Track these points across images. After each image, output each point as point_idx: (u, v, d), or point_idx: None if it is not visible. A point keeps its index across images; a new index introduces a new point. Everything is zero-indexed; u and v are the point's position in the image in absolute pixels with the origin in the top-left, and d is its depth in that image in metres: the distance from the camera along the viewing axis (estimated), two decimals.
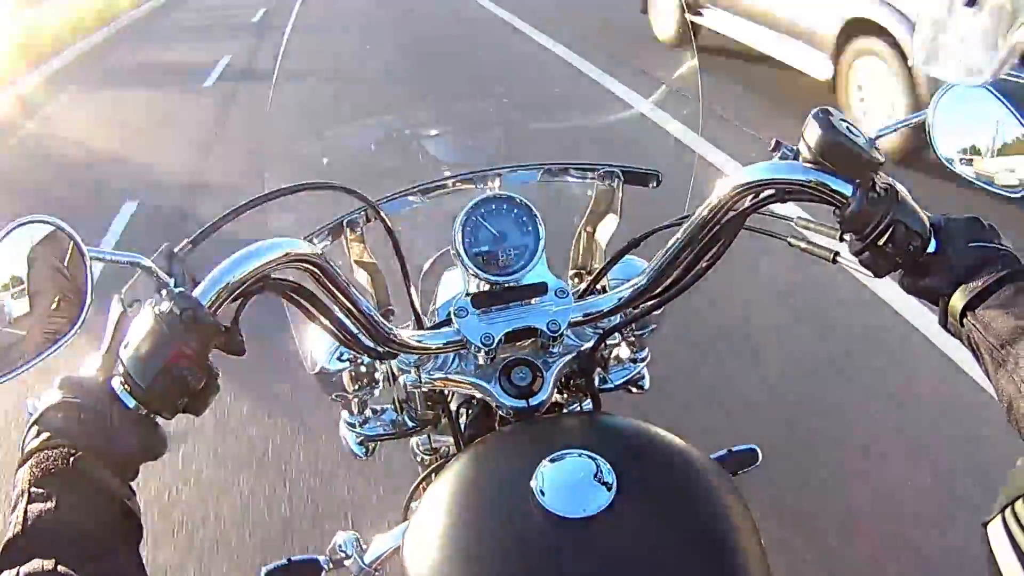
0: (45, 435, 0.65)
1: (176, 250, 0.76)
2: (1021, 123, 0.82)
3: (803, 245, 0.88)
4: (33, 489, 0.62)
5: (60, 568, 0.57)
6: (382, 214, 0.96)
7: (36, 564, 0.56)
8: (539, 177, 1.16)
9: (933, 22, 0.45)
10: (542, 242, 0.97)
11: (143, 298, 0.72)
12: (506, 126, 1.33)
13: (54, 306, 0.69)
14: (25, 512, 0.60)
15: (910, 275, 0.79)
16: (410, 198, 1.14)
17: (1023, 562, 0.39)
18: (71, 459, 0.63)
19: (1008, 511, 0.41)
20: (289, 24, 1.20)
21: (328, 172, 1.00)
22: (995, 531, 0.42)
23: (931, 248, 0.77)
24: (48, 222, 0.68)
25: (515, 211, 0.98)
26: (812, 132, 0.79)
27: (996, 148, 0.83)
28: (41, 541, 0.59)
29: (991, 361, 0.67)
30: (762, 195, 0.83)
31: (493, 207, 0.98)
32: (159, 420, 0.70)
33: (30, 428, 0.67)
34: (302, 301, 0.80)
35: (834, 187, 0.79)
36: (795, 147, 0.83)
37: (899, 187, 0.78)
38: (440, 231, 1.11)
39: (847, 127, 0.78)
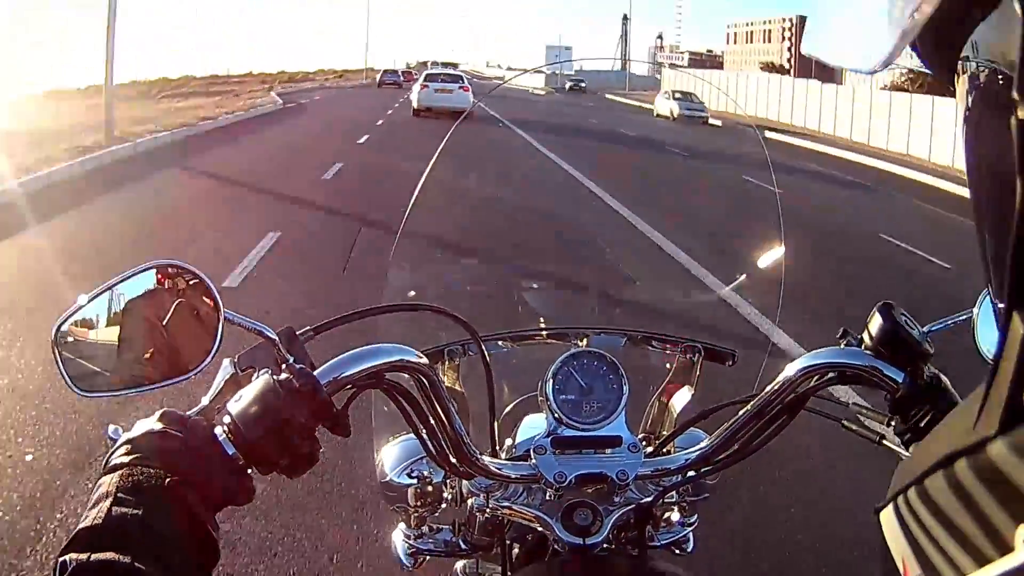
0: (137, 455, 0.67)
1: (298, 332, 0.84)
2: None
3: (854, 427, 0.96)
4: (120, 495, 0.63)
5: (137, 564, 0.57)
6: (483, 349, 1.04)
7: (110, 555, 0.57)
8: (624, 342, 1.26)
9: (826, 6, 0.47)
10: (624, 399, 1.06)
11: (257, 366, 0.78)
12: (600, 291, 1.44)
13: (155, 351, 0.76)
14: (109, 511, 0.61)
15: None
16: (500, 343, 1.24)
17: (913, 547, 0.39)
18: (165, 479, 0.65)
19: (900, 498, 0.41)
20: (427, 171, 1.35)
21: (434, 301, 1.11)
22: (887, 518, 0.42)
23: None
24: (198, 275, 0.76)
25: (604, 368, 1.08)
26: (875, 322, 0.91)
27: None
28: (120, 537, 0.59)
29: None
30: (824, 377, 0.93)
31: (585, 362, 1.08)
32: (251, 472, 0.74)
33: (119, 447, 0.69)
34: (405, 405, 0.87)
35: (887, 373, 0.89)
36: (860, 335, 0.93)
37: (943, 377, 0.87)
38: (524, 377, 1.21)
39: (905, 320, 0.90)
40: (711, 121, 30.19)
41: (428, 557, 1.23)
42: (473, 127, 14.11)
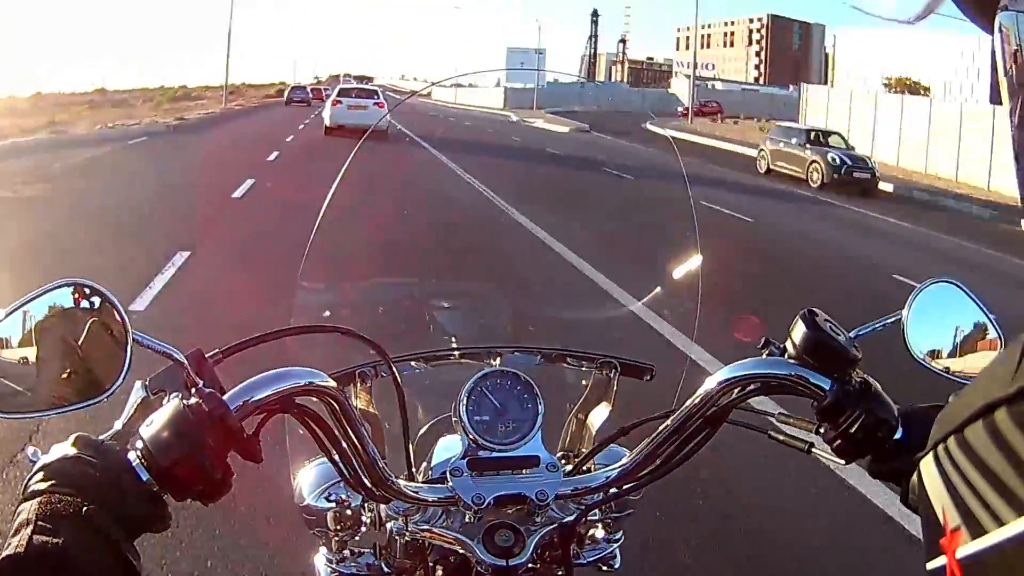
0: (52, 482, 0.67)
1: (207, 355, 0.84)
2: (989, 320, 0.92)
3: (781, 437, 0.96)
4: (40, 523, 0.63)
5: None
6: (394, 370, 1.03)
7: None
8: (538, 360, 1.25)
9: None
10: (540, 418, 1.05)
11: (168, 389, 0.78)
12: (513, 309, 1.44)
13: (72, 371, 0.75)
14: (30, 539, 0.61)
15: (877, 460, 0.86)
16: (413, 363, 1.22)
17: (953, 496, 0.39)
18: (82, 508, 0.65)
19: (941, 447, 0.41)
20: (337, 178, 1.32)
21: (345, 321, 1.09)
22: (927, 467, 0.42)
23: (898, 435, 0.85)
24: (104, 296, 0.75)
25: (518, 388, 1.07)
26: (798, 331, 0.89)
27: (966, 345, 0.92)
28: (41, 567, 0.60)
29: None
30: (747, 389, 0.92)
31: (499, 381, 1.07)
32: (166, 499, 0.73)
33: (36, 472, 0.69)
34: (316, 429, 0.87)
35: (813, 381, 0.88)
36: (782, 344, 0.92)
37: (872, 382, 0.87)
38: (437, 399, 1.20)
39: (830, 327, 0.89)
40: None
41: None
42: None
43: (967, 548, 0.38)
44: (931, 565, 0.41)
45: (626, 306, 1.70)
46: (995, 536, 0.35)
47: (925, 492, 0.43)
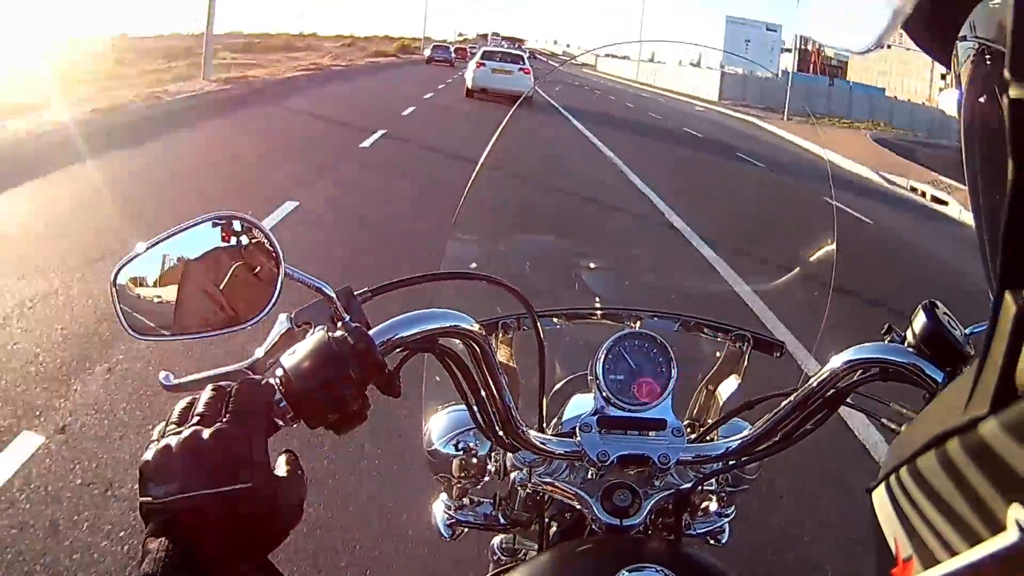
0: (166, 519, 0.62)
1: (356, 293, 0.84)
2: None
3: (894, 427, 0.94)
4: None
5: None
6: (537, 324, 1.04)
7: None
8: (676, 327, 1.26)
9: None
10: (672, 383, 1.05)
11: (314, 323, 0.79)
12: (656, 275, 1.43)
13: (217, 302, 0.77)
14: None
15: None
16: (555, 319, 1.24)
17: (905, 526, 0.39)
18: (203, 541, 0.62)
19: (892, 477, 0.41)
20: (492, 140, 1.35)
21: (492, 272, 1.12)
22: (879, 497, 0.42)
23: None
24: (262, 230, 0.76)
25: (655, 351, 1.07)
26: (919, 321, 0.90)
27: None
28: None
29: None
30: (868, 372, 0.92)
31: (636, 343, 1.08)
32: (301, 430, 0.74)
33: (153, 490, 0.63)
34: (456, 371, 0.88)
35: (928, 372, 0.88)
36: (903, 332, 0.93)
37: None
38: (575, 356, 1.21)
39: (948, 320, 0.88)
40: None
41: (466, 530, 1.24)
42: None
43: None
44: None
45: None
46: (947, 566, 0.35)
47: (877, 522, 0.43)
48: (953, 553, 0.35)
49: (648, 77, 59.50)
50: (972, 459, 0.36)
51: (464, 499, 1.23)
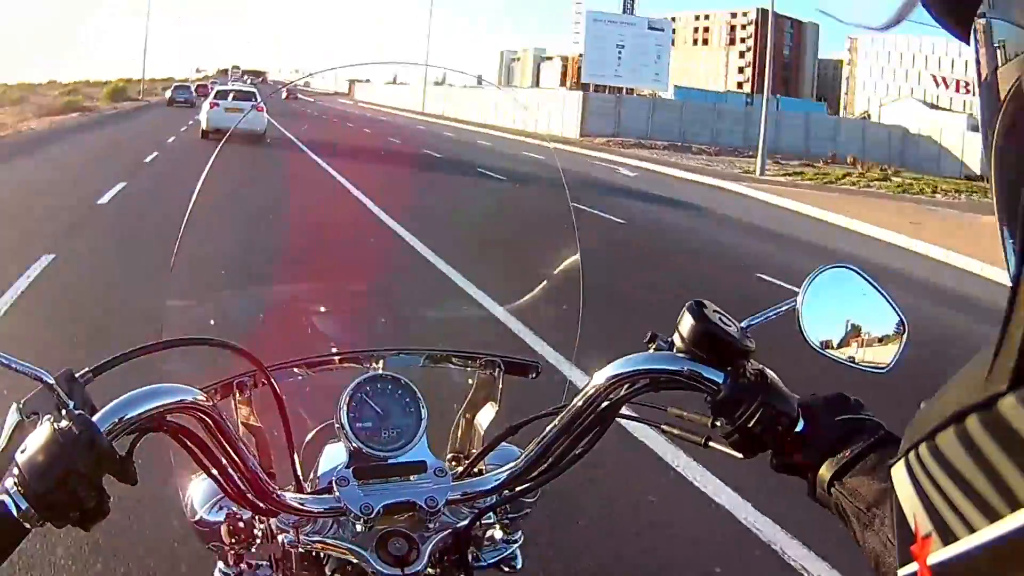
0: None
1: (77, 375, 0.80)
2: (890, 304, 0.91)
3: (676, 432, 0.92)
4: None
5: None
6: (272, 380, 1.00)
7: None
8: (422, 362, 1.23)
9: None
10: (423, 423, 1.03)
11: (41, 412, 0.75)
12: (394, 311, 1.41)
13: None
14: None
15: (779, 454, 0.83)
16: (296, 369, 1.18)
17: (924, 503, 0.39)
18: None
19: (912, 453, 0.41)
20: (198, 186, 1.26)
21: (220, 332, 1.05)
22: (899, 474, 0.42)
23: (799, 427, 0.81)
24: None
25: (399, 392, 1.05)
26: (686, 323, 0.86)
27: (863, 328, 0.90)
28: None
29: (858, 524, 0.73)
30: (636, 385, 0.89)
31: (378, 386, 1.05)
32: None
33: None
34: (192, 447, 0.84)
35: (706, 375, 0.85)
36: (670, 338, 0.89)
37: (769, 372, 0.84)
38: (323, 404, 1.15)
39: (719, 317, 0.86)
40: None
41: None
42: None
43: (938, 555, 0.38)
44: (903, 572, 0.41)
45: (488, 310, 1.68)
46: (966, 543, 0.35)
47: (896, 499, 0.43)
48: (972, 530, 0.35)
49: (438, 107, 48.88)
50: (992, 436, 0.35)
51: (242, 564, 1.13)
